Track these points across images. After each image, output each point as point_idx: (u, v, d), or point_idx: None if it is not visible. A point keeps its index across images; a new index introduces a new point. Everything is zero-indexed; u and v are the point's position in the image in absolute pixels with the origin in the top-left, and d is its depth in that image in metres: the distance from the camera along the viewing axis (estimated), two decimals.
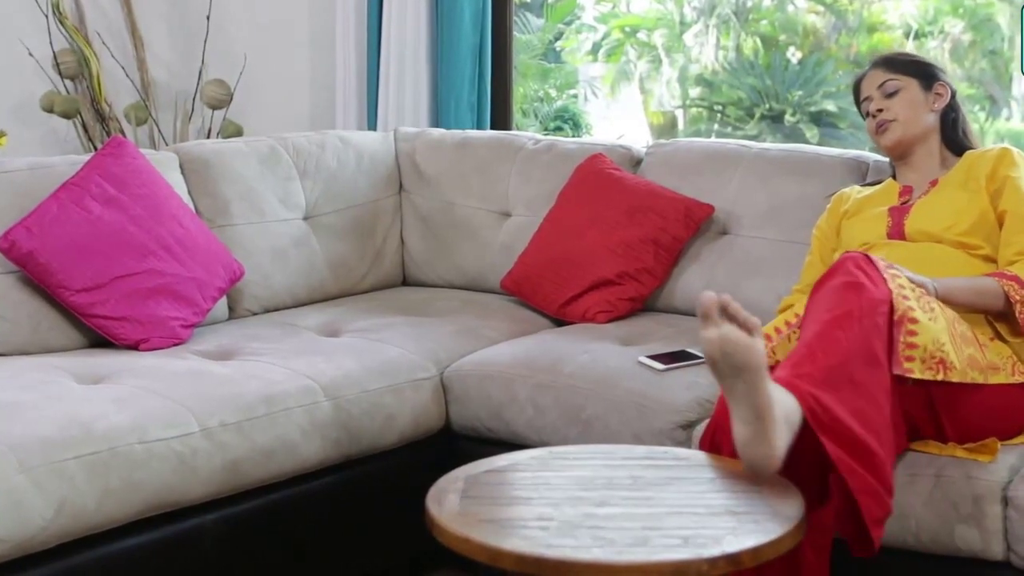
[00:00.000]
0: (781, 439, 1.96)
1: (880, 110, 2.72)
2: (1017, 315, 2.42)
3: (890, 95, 2.72)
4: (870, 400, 2.10)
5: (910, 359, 2.17)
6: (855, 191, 2.83)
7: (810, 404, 2.03)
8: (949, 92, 2.73)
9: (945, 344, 2.22)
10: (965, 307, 2.42)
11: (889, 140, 2.72)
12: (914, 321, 2.18)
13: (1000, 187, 2.57)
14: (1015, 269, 2.46)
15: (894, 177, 2.80)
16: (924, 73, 2.74)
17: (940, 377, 2.21)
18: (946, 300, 2.38)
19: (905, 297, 2.21)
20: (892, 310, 2.18)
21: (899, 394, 2.21)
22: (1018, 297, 2.42)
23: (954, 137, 2.74)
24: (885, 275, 2.23)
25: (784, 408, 1.99)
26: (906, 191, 2.72)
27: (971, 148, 2.73)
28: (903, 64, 2.76)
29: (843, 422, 2.04)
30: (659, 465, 2.16)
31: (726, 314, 1.94)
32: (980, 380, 2.29)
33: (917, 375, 2.18)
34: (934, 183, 2.68)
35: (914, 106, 2.71)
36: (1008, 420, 2.37)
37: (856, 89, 2.81)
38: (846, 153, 3.23)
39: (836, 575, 2.26)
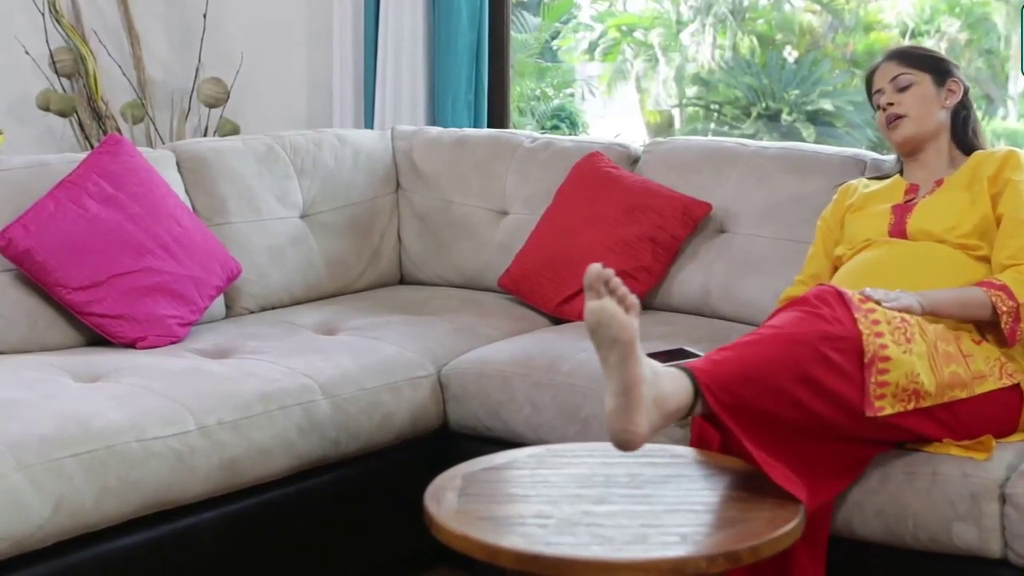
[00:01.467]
0: (645, 419, 2.00)
1: (891, 104, 2.69)
2: (1003, 326, 2.40)
3: (902, 89, 2.68)
4: (776, 416, 2.13)
5: (881, 397, 2.19)
6: (862, 184, 2.80)
7: (706, 381, 2.08)
8: (962, 89, 2.70)
9: (920, 375, 2.22)
10: (953, 319, 2.42)
11: (900, 136, 2.69)
12: (885, 359, 2.19)
13: (1001, 190, 2.55)
14: (1004, 277, 2.44)
15: (901, 173, 2.78)
16: (938, 68, 2.70)
17: (912, 407, 2.22)
18: (933, 314, 2.38)
19: (879, 334, 2.21)
20: (862, 350, 2.19)
21: (877, 424, 2.21)
22: (1005, 308, 2.40)
23: (964, 136, 2.71)
24: (856, 314, 2.22)
25: (659, 391, 2.03)
26: (912, 189, 2.69)
27: (980, 148, 2.69)
28: (917, 58, 2.72)
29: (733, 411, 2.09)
30: (657, 463, 2.16)
31: (608, 288, 2.00)
32: (963, 396, 2.29)
33: (888, 411, 2.19)
34: (940, 182, 2.66)
35: (926, 102, 2.68)
36: (1001, 422, 2.36)
37: (868, 81, 2.77)
38: (844, 151, 3.22)
39: (832, 574, 2.27)
